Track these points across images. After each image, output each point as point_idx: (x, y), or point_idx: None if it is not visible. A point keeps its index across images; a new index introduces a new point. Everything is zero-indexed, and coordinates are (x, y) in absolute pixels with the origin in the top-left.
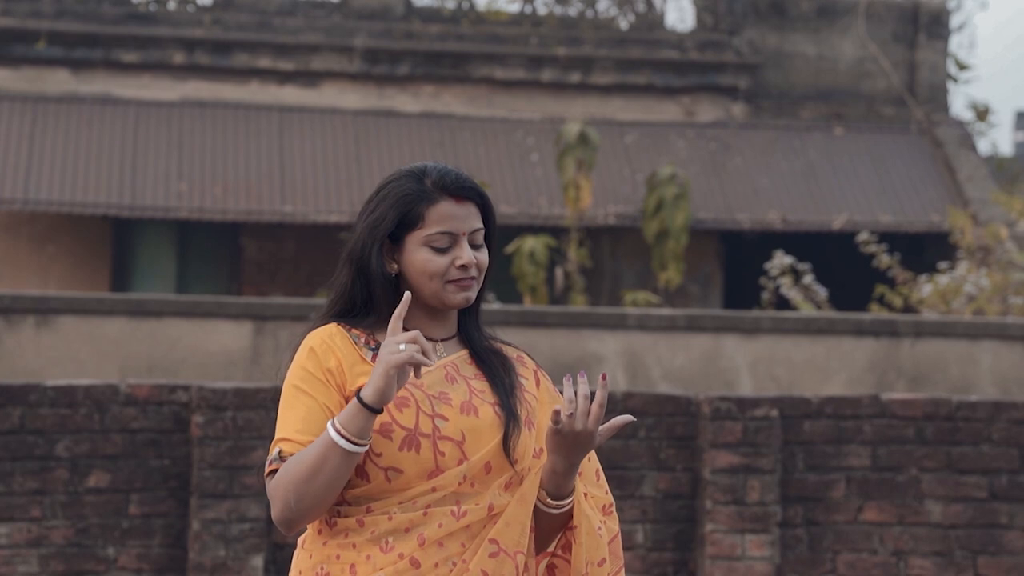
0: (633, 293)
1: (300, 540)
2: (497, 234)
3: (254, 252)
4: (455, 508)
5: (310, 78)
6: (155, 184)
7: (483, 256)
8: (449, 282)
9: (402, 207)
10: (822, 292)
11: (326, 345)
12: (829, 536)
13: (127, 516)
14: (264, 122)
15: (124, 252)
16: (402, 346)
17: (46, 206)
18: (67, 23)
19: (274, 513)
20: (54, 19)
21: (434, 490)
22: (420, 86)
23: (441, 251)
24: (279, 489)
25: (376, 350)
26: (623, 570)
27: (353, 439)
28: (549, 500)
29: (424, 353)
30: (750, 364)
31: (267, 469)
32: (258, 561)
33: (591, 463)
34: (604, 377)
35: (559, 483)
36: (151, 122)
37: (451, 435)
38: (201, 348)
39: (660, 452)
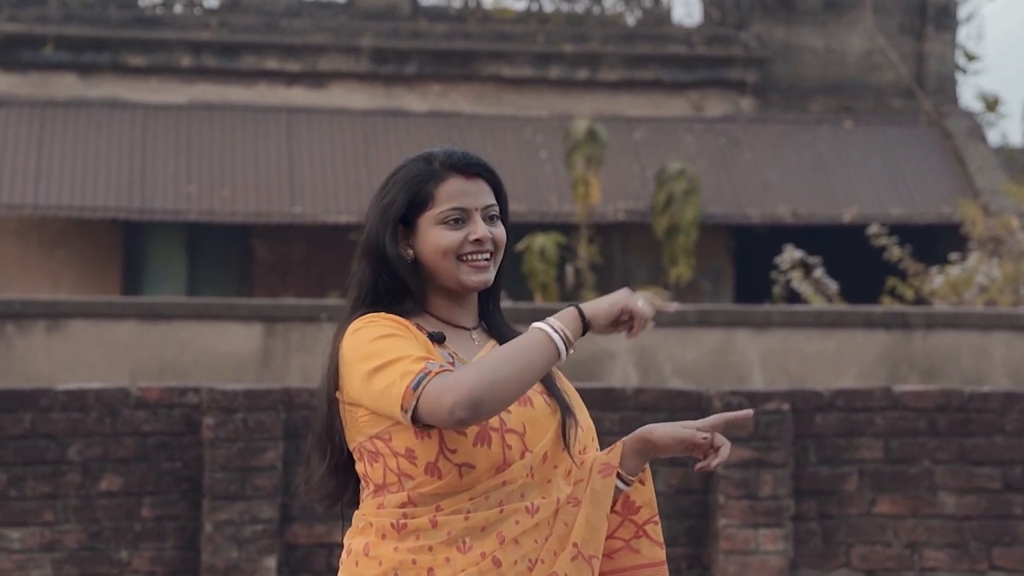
0: (644, 289)
1: (362, 547)
2: (509, 214)
3: (264, 254)
4: (528, 504)
5: (318, 79)
6: (164, 187)
7: (499, 231)
8: (463, 261)
9: (411, 189)
10: (833, 285)
11: (393, 320)
12: (843, 529)
13: (139, 519)
14: (272, 123)
15: (134, 255)
16: (640, 302)
17: (56, 211)
18: (74, 28)
19: (458, 394)
20: (61, 24)
21: (504, 484)
22: (428, 85)
23: (454, 228)
24: (471, 375)
25: (432, 337)
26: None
27: (569, 341)
28: (629, 477)
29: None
30: (761, 358)
31: (435, 369)
32: (271, 562)
33: (594, 443)
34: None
35: (640, 465)
36: (159, 125)
37: (515, 427)
38: (212, 350)
39: None
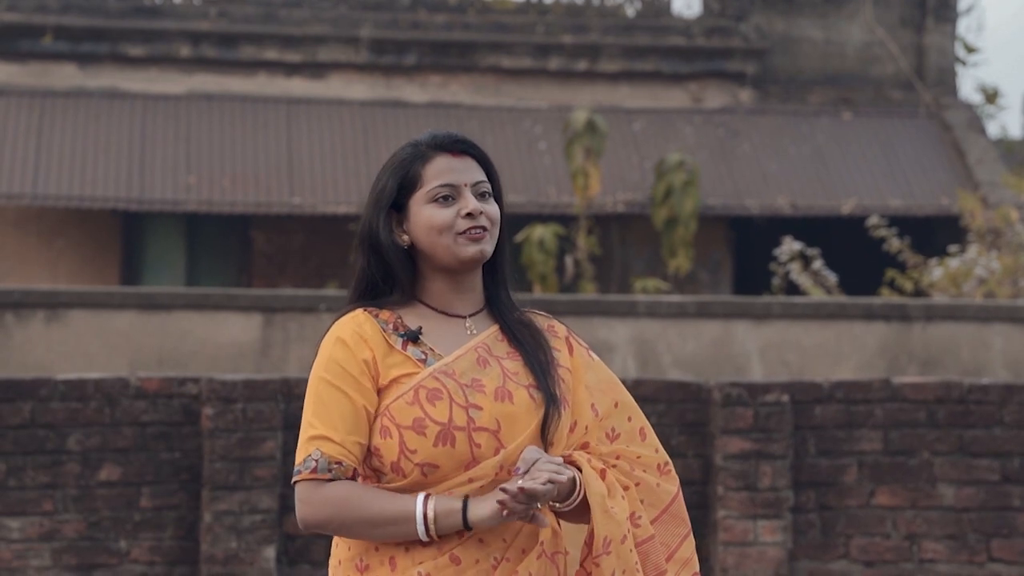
0: (643, 280)
1: None
2: (503, 191)
3: (263, 244)
4: None
5: (317, 69)
6: (163, 177)
7: (492, 207)
8: (459, 234)
9: (400, 172)
10: (832, 277)
11: (358, 336)
12: (842, 521)
13: (139, 509)
14: (272, 114)
15: (133, 246)
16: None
17: (55, 201)
18: (73, 17)
19: (307, 519)
20: (60, 14)
21: (471, 481)
22: (427, 76)
23: (445, 205)
24: (327, 508)
25: (405, 336)
26: (691, 534)
27: (433, 534)
28: (554, 504)
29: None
30: (761, 350)
31: (306, 471)
32: (270, 552)
33: (632, 423)
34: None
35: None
36: (158, 116)
37: (486, 425)
38: (211, 340)
39: (671, 439)
